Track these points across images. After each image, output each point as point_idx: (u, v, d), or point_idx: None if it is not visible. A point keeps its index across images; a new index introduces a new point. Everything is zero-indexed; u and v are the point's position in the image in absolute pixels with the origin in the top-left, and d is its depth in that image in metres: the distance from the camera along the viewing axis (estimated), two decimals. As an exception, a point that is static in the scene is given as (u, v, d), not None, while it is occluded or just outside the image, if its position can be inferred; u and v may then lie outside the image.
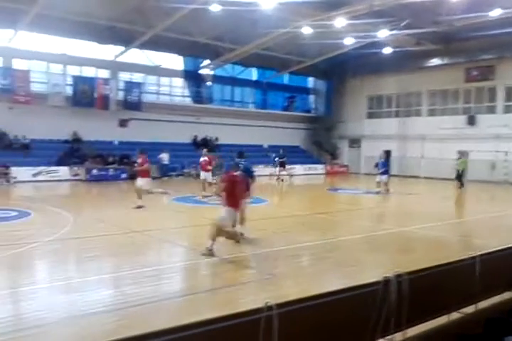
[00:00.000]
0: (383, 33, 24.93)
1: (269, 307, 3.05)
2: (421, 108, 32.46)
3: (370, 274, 6.69)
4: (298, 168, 32.41)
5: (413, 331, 4.01)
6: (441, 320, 4.31)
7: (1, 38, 24.67)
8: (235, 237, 8.30)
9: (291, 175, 26.07)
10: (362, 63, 31.97)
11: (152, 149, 26.45)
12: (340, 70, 35.05)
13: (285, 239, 7.62)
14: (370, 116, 35.40)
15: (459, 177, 20.19)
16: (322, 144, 37.25)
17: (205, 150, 18.62)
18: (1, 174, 21.75)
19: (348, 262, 7.73)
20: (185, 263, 7.93)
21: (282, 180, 24.74)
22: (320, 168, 34.14)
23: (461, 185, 20.11)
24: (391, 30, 24.57)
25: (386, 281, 3.78)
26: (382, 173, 19.20)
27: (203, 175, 17.42)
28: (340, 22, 23.10)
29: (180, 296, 6.04)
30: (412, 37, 27.00)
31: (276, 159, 25.61)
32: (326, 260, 8.00)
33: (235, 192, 8.12)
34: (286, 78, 36.94)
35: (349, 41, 27.12)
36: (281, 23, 24.58)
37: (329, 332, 3.49)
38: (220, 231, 7.82)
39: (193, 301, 5.81)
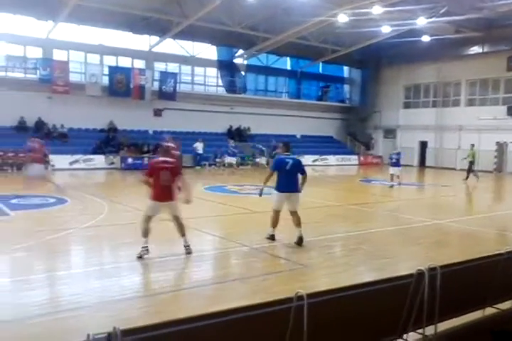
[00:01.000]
0: (421, 21, 24.27)
1: (300, 297, 3.04)
2: (459, 98, 31.56)
3: (403, 267, 6.59)
4: (331, 159, 32.17)
5: (446, 325, 3.93)
6: (476, 315, 4.21)
7: (41, 29, 25.24)
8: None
9: None
10: (398, 52, 31.24)
11: (186, 138, 26.82)
12: (375, 59, 34.38)
13: (317, 230, 7.57)
14: (407, 106, 34.67)
15: (470, 168, 20.42)
16: (356, 135, 36.75)
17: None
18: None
19: (380, 254, 7.63)
20: (216, 252, 8.00)
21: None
22: (353, 159, 33.77)
23: (476, 175, 20.28)
24: (429, 17, 23.89)
25: (419, 274, 3.70)
26: (395, 165, 18.39)
27: None
28: (376, 9, 22.62)
29: (210, 284, 6.09)
30: (451, 24, 26.17)
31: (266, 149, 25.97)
32: (358, 251, 7.92)
33: (158, 182, 7.01)
34: (320, 67, 36.51)
35: (386, 29, 26.54)
36: (317, 11, 24.24)
37: (360, 324, 3.45)
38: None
39: (223, 289, 5.86)
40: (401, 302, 3.67)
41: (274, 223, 8.11)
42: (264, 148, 27.93)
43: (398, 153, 19.02)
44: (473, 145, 22.83)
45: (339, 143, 36.39)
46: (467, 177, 20.60)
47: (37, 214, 10.67)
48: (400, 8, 22.50)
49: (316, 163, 31.14)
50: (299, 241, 7.79)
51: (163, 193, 7.04)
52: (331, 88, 37.17)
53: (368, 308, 3.48)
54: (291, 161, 8.03)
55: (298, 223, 7.96)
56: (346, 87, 38.53)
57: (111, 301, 5.12)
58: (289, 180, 7.96)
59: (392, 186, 17.97)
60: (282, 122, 32.39)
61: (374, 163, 33.81)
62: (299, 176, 8.11)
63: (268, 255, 7.41)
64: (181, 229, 7.28)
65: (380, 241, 8.80)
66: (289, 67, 35.26)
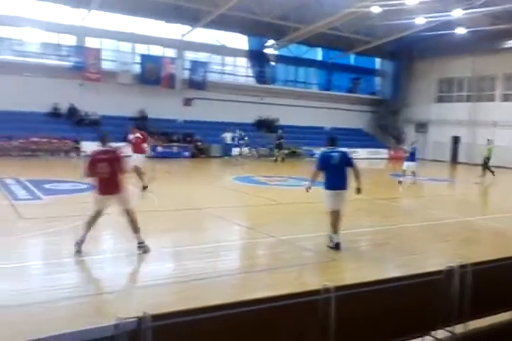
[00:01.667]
0: (457, 12, 23.62)
1: (327, 290, 3.04)
2: (494, 92, 30.69)
3: (431, 263, 6.51)
4: (360, 152, 31.81)
5: (476, 324, 3.88)
6: (508, 316, 4.13)
7: (75, 17, 25.60)
8: None
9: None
10: (432, 44, 30.49)
11: (215, 128, 26.91)
12: (408, 51, 33.69)
13: (344, 224, 7.52)
14: (440, 99, 33.91)
15: (486, 164, 19.61)
16: (387, 128, 36.21)
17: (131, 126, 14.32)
18: (71, 148, 22.87)
19: (409, 250, 7.55)
20: (243, 242, 8.06)
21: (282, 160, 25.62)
22: (383, 153, 33.32)
23: (491, 171, 19.64)
24: (466, 8, 23.23)
25: (449, 271, 3.66)
26: (411, 160, 17.05)
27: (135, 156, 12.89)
28: (411, 0, 22.12)
29: (237, 273, 6.15)
30: (487, 16, 25.32)
31: (236, 138, 25.36)
32: (386, 246, 7.86)
33: (98, 174, 6.56)
34: (352, 59, 36.02)
35: (420, 21, 25.93)
36: (349, 1, 23.87)
37: (387, 319, 3.44)
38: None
39: (249, 279, 5.91)
40: (430, 299, 3.63)
41: (335, 227, 7.21)
42: (245, 136, 25.77)
43: (414, 148, 17.63)
44: (490, 140, 21.47)
45: (369, 136, 35.94)
46: (493, 172, 19.83)
47: (68, 199, 10.92)
48: (436, -1, 21.99)
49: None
50: (336, 246, 7.12)
51: (106, 186, 6.57)
52: (362, 80, 36.65)
53: (395, 304, 3.46)
54: (336, 154, 7.30)
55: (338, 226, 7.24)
56: (378, 80, 37.93)
57: (140, 286, 5.23)
58: (337, 175, 7.23)
59: (400, 182, 16.69)
60: (311, 114, 32.15)
61: (405, 157, 33.21)
62: (348, 172, 7.28)
63: (295, 247, 7.41)
64: (133, 225, 6.66)
65: (408, 237, 8.70)
66: (319, 58, 34.89)
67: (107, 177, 6.53)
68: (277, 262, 6.61)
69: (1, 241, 6.95)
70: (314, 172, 7.39)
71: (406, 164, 16.99)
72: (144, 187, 12.19)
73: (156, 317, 2.51)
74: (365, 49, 32.25)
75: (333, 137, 7.69)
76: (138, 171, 12.25)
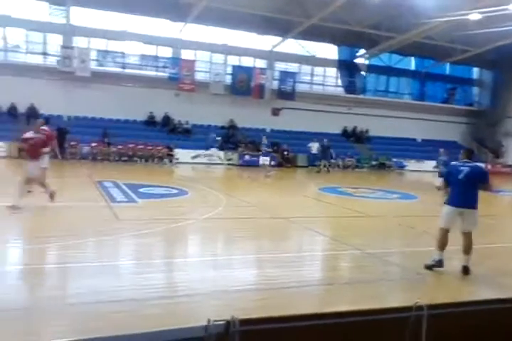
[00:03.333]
0: None
1: (419, 307, 2.91)
2: None
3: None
4: (453, 165, 30.27)
5: None
6: None
7: (172, 30, 26.99)
8: None
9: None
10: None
11: (302, 138, 26.97)
12: (510, 60, 31.63)
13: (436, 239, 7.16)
14: (545, 111, 31.47)
15: None
16: (484, 141, 34.16)
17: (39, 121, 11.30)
18: (165, 155, 24.01)
19: (506, 272, 7.02)
20: (328, 253, 7.94)
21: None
22: (479, 167, 31.39)
23: None
24: None
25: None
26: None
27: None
28: (516, 6, 20.83)
29: (320, 284, 6.06)
30: None
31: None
32: (480, 266, 7.34)
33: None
34: (447, 68, 34.52)
35: (525, 27, 24.29)
36: (445, 9, 22.92)
37: (483, 343, 3.21)
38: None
39: (332, 291, 5.79)
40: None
41: (441, 245, 6.66)
42: (329, 147, 25.00)
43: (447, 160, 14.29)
44: None
45: (463, 148, 34.08)
46: None
47: (161, 203, 11.43)
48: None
49: (438, 169, 29.47)
50: (464, 271, 6.53)
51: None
52: (458, 90, 34.97)
53: (494, 327, 3.23)
54: (466, 169, 6.64)
55: (466, 249, 6.56)
56: (475, 90, 36.00)
57: (226, 291, 5.32)
58: (462, 192, 6.62)
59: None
60: (402, 124, 31.18)
61: (503, 172, 31.12)
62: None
63: (381, 261, 7.18)
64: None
65: (507, 258, 8.09)
66: (412, 68, 33.81)
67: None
68: (362, 276, 6.43)
69: (98, 241, 7.41)
70: (443, 184, 7.07)
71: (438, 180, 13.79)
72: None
73: (244, 322, 2.54)
74: (462, 58, 30.77)
75: (470, 149, 7.21)
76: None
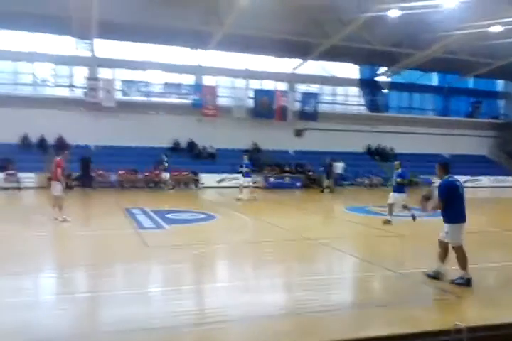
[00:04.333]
0: None
1: (459, 330, 2.80)
2: None
3: None
4: (483, 180, 29.68)
5: None
6: None
7: (193, 57, 27.57)
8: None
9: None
10: None
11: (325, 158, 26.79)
12: (537, 71, 31.16)
13: (471, 258, 6.90)
14: None
15: None
16: (513, 153, 33.44)
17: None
18: (191, 180, 24.18)
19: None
20: (359, 275, 7.77)
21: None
22: (510, 181, 30.66)
23: None
24: None
25: None
26: (398, 190, 12.60)
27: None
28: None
29: (353, 308, 5.91)
30: None
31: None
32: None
33: None
34: (470, 82, 34.16)
35: (549, 37, 23.99)
36: (465, 23, 22.84)
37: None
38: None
39: (366, 315, 5.63)
40: None
41: (464, 263, 6.75)
42: (166, 161, 23.32)
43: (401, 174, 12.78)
44: None
45: (493, 162, 33.38)
46: None
47: (189, 229, 11.45)
48: None
49: (467, 184, 28.82)
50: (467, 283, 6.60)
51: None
52: (482, 104, 34.48)
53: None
54: (460, 184, 6.89)
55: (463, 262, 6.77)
56: (501, 102, 35.44)
57: (256, 316, 5.23)
58: (463, 207, 6.86)
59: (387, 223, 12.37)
60: (427, 141, 30.81)
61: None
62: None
63: (415, 282, 6.97)
64: None
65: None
66: (435, 83, 33.57)
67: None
68: (396, 298, 6.25)
69: (128, 268, 7.44)
70: (438, 204, 6.81)
71: (391, 196, 12.81)
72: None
73: None
74: (485, 71, 30.43)
75: (447, 163, 7.21)
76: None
